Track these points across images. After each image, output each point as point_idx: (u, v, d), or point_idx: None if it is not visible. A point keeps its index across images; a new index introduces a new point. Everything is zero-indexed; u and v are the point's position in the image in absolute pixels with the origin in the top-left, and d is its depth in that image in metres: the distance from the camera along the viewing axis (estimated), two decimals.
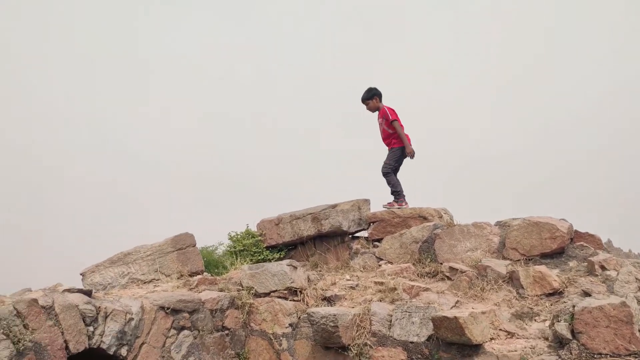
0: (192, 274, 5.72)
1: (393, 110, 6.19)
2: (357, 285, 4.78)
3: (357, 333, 4.06)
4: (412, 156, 6.10)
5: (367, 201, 6.16)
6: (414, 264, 5.09)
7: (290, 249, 6.45)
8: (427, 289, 4.38)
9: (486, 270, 4.43)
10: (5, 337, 2.98)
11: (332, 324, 3.98)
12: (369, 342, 4.00)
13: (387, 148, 6.27)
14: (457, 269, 4.61)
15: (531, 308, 3.94)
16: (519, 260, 4.60)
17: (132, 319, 3.78)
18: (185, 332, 4.19)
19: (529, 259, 4.58)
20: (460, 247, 4.96)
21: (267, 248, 6.39)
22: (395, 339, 3.94)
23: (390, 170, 6.11)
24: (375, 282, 4.69)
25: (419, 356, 3.80)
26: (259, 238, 6.39)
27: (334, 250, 5.89)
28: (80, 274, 5.47)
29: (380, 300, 4.33)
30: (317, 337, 4.14)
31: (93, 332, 3.50)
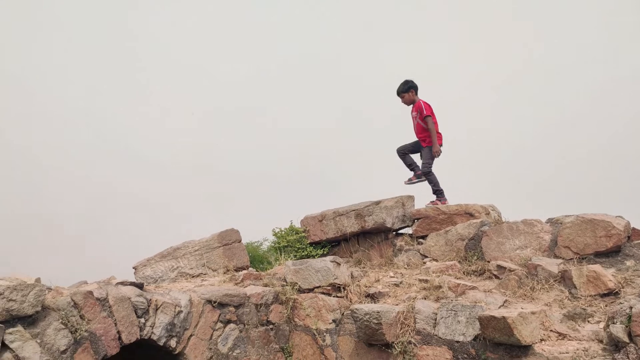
0: (237, 269, 5.84)
1: (429, 105, 6.09)
2: (401, 282, 4.73)
3: (401, 331, 4.02)
4: (437, 155, 6.00)
5: (411, 197, 6.08)
6: (459, 261, 4.99)
7: (333, 245, 6.47)
8: (473, 288, 4.28)
9: (536, 269, 4.28)
10: (63, 327, 3.14)
11: (375, 321, 3.96)
12: (413, 340, 3.96)
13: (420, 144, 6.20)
14: (505, 268, 4.48)
15: (584, 309, 3.77)
16: (571, 259, 4.42)
17: (181, 311, 3.90)
18: (232, 325, 4.28)
19: (583, 258, 4.39)
20: (509, 245, 4.82)
21: (311, 244, 6.44)
22: (440, 338, 3.88)
23: (431, 169, 6.02)
24: (420, 280, 4.63)
25: (465, 356, 3.73)
26: (303, 234, 6.44)
27: (378, 247, 5.86)
28: (133, 268, 5.69)
29: (425, 298, 4.27)
30: (361, 334, 4.13)
31: (144, 324, 3.64)
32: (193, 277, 5.70)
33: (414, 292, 4.45)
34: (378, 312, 3.96)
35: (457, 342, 3.79)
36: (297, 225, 6.64)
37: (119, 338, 3.43)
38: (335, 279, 4.69)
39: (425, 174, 6.04)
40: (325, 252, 6.33)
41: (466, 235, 5.12)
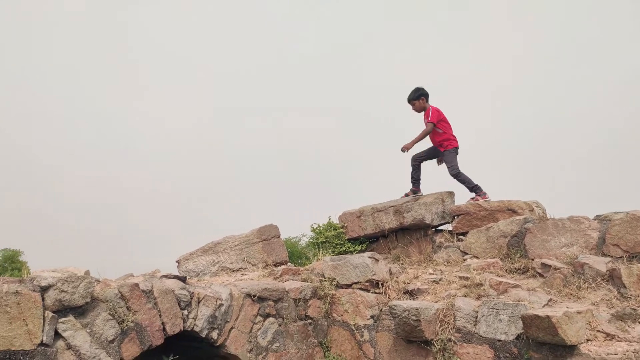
0: (276, 264, 5.92)
1: (437, 110, 6.02)
2: (440, 279, 4.67)
3: (441, 328, 3.97)
4: (403, 150, 5.96)
5: (451, 194, 5.99)
6: (501, 259, 4.87)
7: (371, 241, 6.45)
8: (516, 286, 4.18)
9: (583, 267, 4.13)
10: (111, 317, 3.28)
11: (414, 318, 3.93)
12: (453, 338, 3.90)
13: (439, 150, 6.12)
14: (550, 266, 4.34)
15: (634, 309, 3.61)
16: (620, 257, 4.24)
17: (222, 304, 3.99)
18: (271, 319, 4.35)
19: (633, 256, 4.20)
20: (554, 242, 4.67)
21: (349, 240, 6.44)
22: (481, 336, 3.81)
23: (458, 170, 5.93)
24: (460, 277, 4.56)
25: (507, 355, 3.64)
26: (341, 230, 6.45)
27: (417, 244, 5.80)
28: (176, 262, 5.86)
29: (465, 296, 4.20)
30: (399, 330, 4.11)
31: (187, 316, 3.75)
32: (233, 271, 5.82)
33: (454, 290, 4.38)
34: (417, 309, 3.92)
35: (499, 340, 3.71)
36: (335, 221, 6.66)
37: (164, 329, 3.55)
38: (373, 275, 4.68)
39: (454, 176, 5.95)
40: (363, 248, 6.32)
41: (508, 232, 5.00)
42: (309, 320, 4.66)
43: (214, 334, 3.91)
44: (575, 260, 4.27)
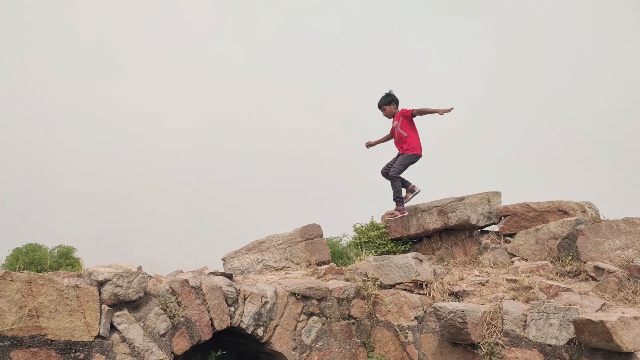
0: (319, 263, 5.96)
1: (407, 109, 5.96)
2: (487, 281, 4.57)
3: (488, 331, 3.89)
4: (447, 111, 5.60)
5: (497, 194, 5.84)
6: (551, 261, 4.72)
7: (415, 242, 6.38)
8: (567, 289, 4.04)
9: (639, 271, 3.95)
10: (163, 312, 3.40)
11: (460, 320, 3.87)
12: (500, 342, 3.82)
13: (398, 152, 6.08)
14: (603, 269, 4.17)
15: None
16: None
17: (267, 302, 4.06)
18: (314, 318, 4.38)
19: None
20: (608, 245, 4.48)
21: (392, 240, 6.40)
22: (530, 341, 3.70)
23: (398, 174, 5.87)
24: (508, 280, 4.45)
25: None
26: (384, 230, 6.42)
27: (462, 245, 5.70)
28: (222, 259, 6.00)
29: (513, 299, 4.10)
30: (444, 332, 4.06)
31: (234, 312, 3.84)
32: (277, 269, 5.90)
33: (501, 292, 4.28)
34: (463, 311, 3.86)
35: (549, 345, 3.60)
36: (378, 221, 6.63)
37: (212, 324, 3.65)
38: (417, 275, 4.64)
39: (391, 178, 5.89)
40: (406, 249, 6.27)
41: (559, 234, 4.83)
42: (352, 320, 4.67)
43: (260, 331, 3.98)
44: (631, 263, 4.08)
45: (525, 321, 3.78)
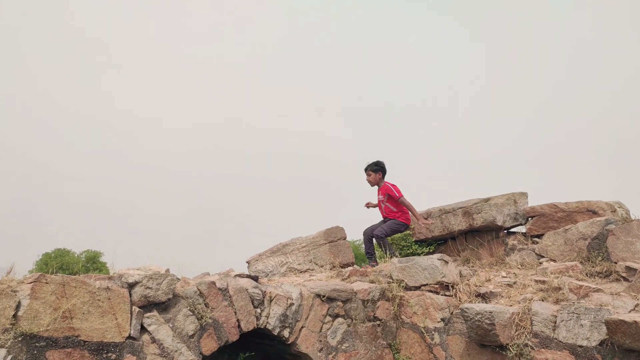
0: (343, 266, 5.96)
1: (397, 187, 5.93)
2: (514, 282, 4.51)
3: (516, 333, 3.83)
4: (427, 228, 6.04)
5: (524, 194, 5.76)
6: (581, 262, 4.63)
7: (439, 243, 6.33)
8: (598, 290, 3.96)
9: None
10: (191, 313, 3.45)
11: (487, 321, 3.82)
12: (529, 343, 3.76)
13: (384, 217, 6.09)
14: (635, 269, 4.08)
15: None
16: None
17: (293, 304, 4.08)
18: (340, 319, 4.39)
19: None
20: None
21: (416, 242, 6.36)
22: (560, 342, 3.64)
23: (384, 237, 5.87)
24: (536, 281, 4.37)
25: None
26: (408, 232, 6.39)
27: (487, 246, 5.63)
28: (246, 262, 6.06)
29: (542, 300, 4.03)
30: (472, 334, 4.01)
31: (260, 314, 3.87)
32: (301, 272, 5.92)
33: (530, 293, 4.21)
34: (491, 312, 3.82)
35: (580, 347, 3.52)
36: None
37: (239, 326, 3.68)
38: (443, 277, 4.60)
39: (378, 238, 5.88)
40: (431, 251, 6.23)
41: (589, 234, 4.74)
42: (378, 322, 4.65)
43: (286, 332, 4.00)
44: None
45: (555, 322, 3.72)
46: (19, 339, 2.72)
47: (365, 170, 6.17)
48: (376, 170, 6.11)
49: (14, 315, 2.75)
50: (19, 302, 2.78)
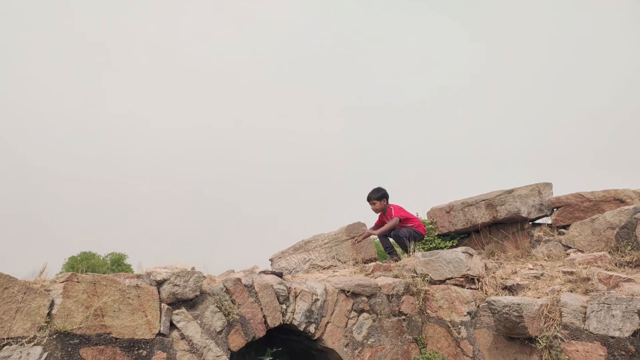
0: (365, 261, 5.95)
1: (399, 208, 6.06)
2: (541, 274, 4.44)
3: (545, 325, 3.78)
4: (355, 241, 6.10)
5: (548, 185, 5.67)
6: (609, 252, 4.54)
7: (462, 237, 6.28)
8: (629, 280, 3.87)
9: None
10: (218, 310, 3.49)
11: (516, 314, 3.77)
12: (559, 335, 3.70)
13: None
14: None
15: None
16: None
17: (318, 299, 4.09)
18: (365, 314, 4.38)
19: None
20: None
21: (439, 236, 6.32)
22: (591, 333, 3.57)
23: (408, 238, 5.90)
24: (564, 272, 4.31)
25: (623, 353, 3.39)
26: (430, 226, 6.35)
27: (512, 238, 5.56)
28: (269, 260, 6.09)
29: (571, 291, 3.96)
30: (500, 327, 3.97)
31: (285, 310, 3.89)
32: (324, 268, 5.93)
33: (558, 285, 4.15)
34: (519, 305, 3.77)
35: (612, 337, 3.46)
36: (424, 217, 6.56)
37: (265, 322, 3.71)
38: (468, 270, 4.56)
39: (396, 236, 5.98)
40: (454, 244, 6.17)
41: (617, 224, 4.64)
42: (403, 317, 4.63)
43: (312, 328, 4.01)
44: None
45: (585, 313, 3.65)
46: (54, 336, 2.78)
47: (369, 200, 6.22)
48: (380, 197, 6.18)
49: (48, 314, 2.81)
50: (53, 301, 2.85)
